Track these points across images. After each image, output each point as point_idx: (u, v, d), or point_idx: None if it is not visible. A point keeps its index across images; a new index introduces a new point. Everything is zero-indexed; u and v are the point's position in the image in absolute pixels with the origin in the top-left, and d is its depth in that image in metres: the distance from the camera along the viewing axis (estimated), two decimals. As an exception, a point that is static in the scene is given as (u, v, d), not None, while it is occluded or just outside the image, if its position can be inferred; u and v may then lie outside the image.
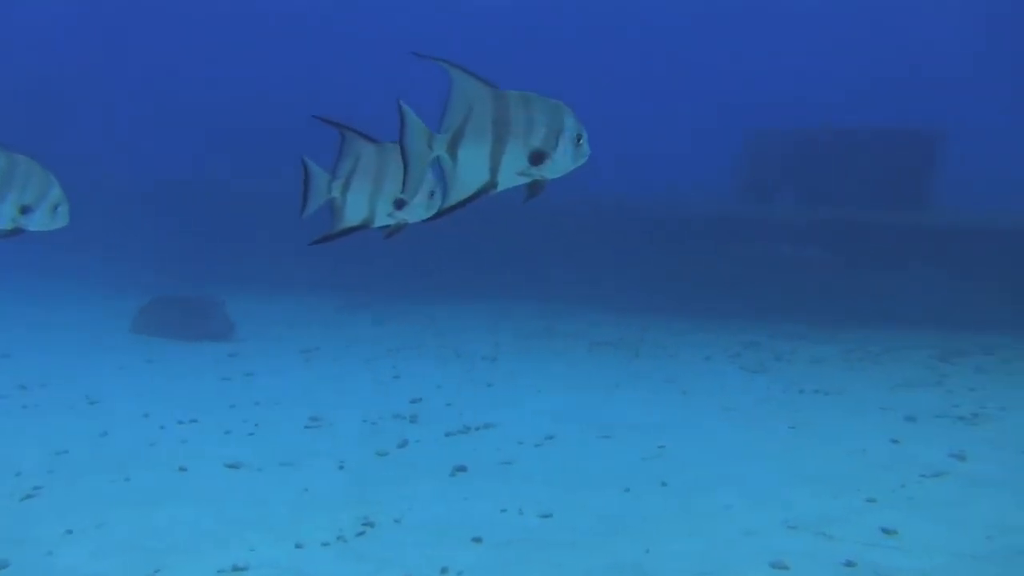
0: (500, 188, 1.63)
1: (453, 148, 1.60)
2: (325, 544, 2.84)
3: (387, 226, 1.82)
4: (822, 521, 2.97)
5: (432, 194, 1.78)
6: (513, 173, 1.60)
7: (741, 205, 7.93)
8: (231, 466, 3.65)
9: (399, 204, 1.77)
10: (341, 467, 3.64)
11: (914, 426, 4.15)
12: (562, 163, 1.60)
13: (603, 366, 5.57)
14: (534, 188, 1.65)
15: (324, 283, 8.19)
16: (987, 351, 5.71)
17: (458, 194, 1.68)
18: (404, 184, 1.72)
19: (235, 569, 2.67)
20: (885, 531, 2.88)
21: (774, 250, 7.17)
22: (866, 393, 4.81)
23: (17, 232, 1.81)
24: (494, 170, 1.62)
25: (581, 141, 1.63)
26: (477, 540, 2.86)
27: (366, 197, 1.85)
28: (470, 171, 1.63)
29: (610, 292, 7.42)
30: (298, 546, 2.82)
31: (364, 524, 3.00)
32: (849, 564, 2.65)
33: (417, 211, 1.82)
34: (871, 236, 6.99)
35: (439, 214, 1.74)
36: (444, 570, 2.64)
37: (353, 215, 1.88)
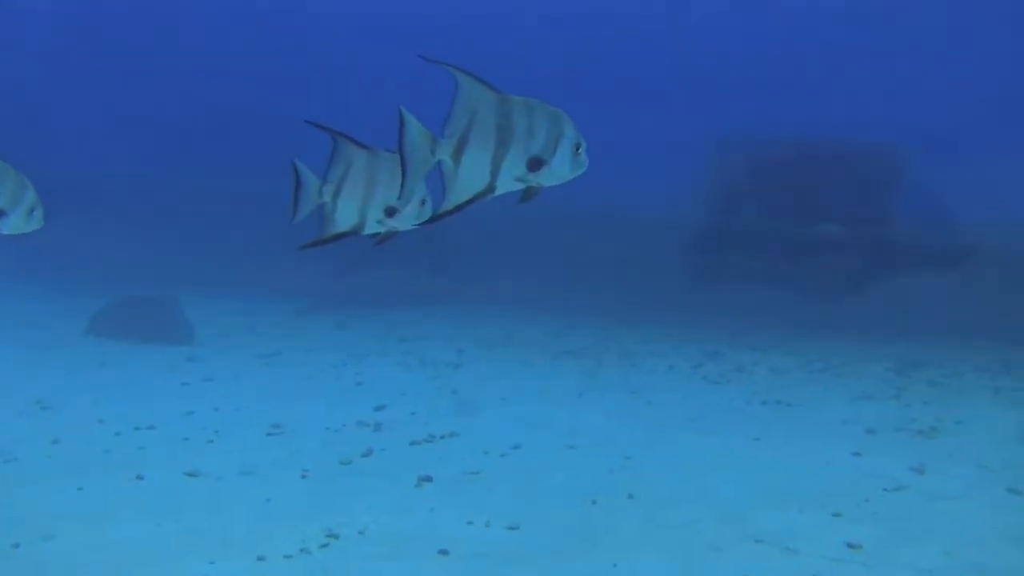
0: (497, 193, 1.62)
1: (457, 153, 1.58)
2: (288, 557, 2.78)
3: (377, 233, 1.80)
4: (789, 536, 2.98)
5: (423, 202, 1.76)
6: (511, 179, 1.59)
7: (706, 215, 7.97)
8: (190, 475, 3.57)
9: (390, 212, 1.74)
10: (304, 476, 3.57)
11: (874, 439, 4.19)
12: (559, 171, 1.59)
13: (567, 374, 5.55)
14: (528, 193, 1.64)
15: (284, 287, 8.11)
16: (940, 364, 5.80)
17: (456, 198, 1.66)
18: (401, 189, 1.69)
19: (195, 583, 2.61)
20: (850, 546, 2.89)
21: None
22: (827, 405, 4.85)
23: None
24: (494, 175, 1.61)
25: (580, 151, 1.62)
26: (443, 553, 2.82)
27: (357, 204, 1.83)
28: (471, 176, 1.61)
29: (571, 298, 7.43)
30: (260, 559, 2.76)
31: (328, 536, 2.94)
32: (816, 579, 2.66)
33: (408, 219, 1.80)
34: (833, 250, 7.07)
35: (435, 218, 1.72)
36: (410, 584, 2.61)
37: (343, 221, 1.85)
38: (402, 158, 1.69)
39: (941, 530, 3.04)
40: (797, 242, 7.23)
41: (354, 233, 1.78)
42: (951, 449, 4.02)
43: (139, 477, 3.50)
